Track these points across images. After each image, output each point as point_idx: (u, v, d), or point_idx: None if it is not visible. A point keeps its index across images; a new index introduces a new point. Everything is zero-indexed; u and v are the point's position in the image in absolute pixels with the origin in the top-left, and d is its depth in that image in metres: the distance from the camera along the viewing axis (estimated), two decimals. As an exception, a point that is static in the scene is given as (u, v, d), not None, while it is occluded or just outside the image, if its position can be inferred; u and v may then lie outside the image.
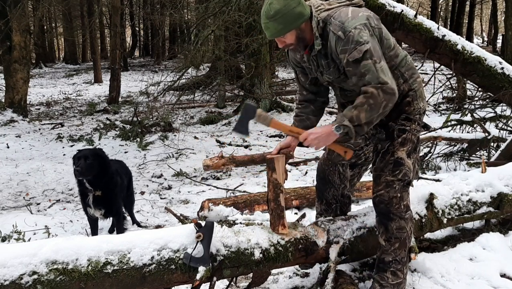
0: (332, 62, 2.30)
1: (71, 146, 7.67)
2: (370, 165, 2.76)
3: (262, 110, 2.36)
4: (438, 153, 5.48)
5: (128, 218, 3.93)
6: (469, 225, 3.32)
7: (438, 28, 4.45)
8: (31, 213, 4.45)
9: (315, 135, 2.24)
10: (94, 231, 3.59)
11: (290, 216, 3.58)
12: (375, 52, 2.14)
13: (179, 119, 9.91)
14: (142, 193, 5.10)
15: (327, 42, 2.24)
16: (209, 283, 2.25)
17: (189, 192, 4.99)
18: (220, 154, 2.34)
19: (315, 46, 2.27)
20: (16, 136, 8.42)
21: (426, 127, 2.53)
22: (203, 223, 2.18)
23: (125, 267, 2.07)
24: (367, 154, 2.65)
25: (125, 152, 7.23)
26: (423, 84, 2.50)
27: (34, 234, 3.86)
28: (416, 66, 2.65)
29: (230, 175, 5.85)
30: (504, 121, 5.40)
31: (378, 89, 2.11)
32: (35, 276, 1.96)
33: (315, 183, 4.78)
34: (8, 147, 7.59)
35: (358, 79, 2.17)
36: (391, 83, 2.14)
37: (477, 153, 5.34)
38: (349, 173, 2.71)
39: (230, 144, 7.58)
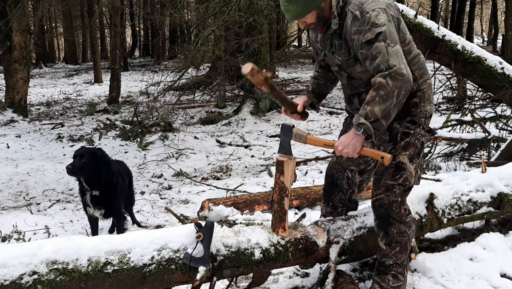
0: (344, 43, 2.27)
1: (71, 146, 7.67)
2: None
3: (298, 128, 2.38)
4: (438, 153, 5.48)
5: (128, 218, 3.93)
6: (469, 225, 3.32)
7: (438, 28, 4.45)
8: (31, 213, 4.45)
9: (341, 143, 2.18)
10: (94, 231, 3.59)
11: (290, 216, 3.58)
12: (390, 35, 2.09)
13: (179, 119, 9.91)
14: (142, 193, 5.10)
15: (343, 22, 2.22)
16: (209, 283, 2.25)
17: (189, 192, 4.99)
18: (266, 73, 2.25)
19: (332, 25, 2.26)
20: (16, 136, 8.42)
21: (431, 132, 2.48)
22: (203, 223, 2.18)
23: (125, 267, 2.07)
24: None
25: (125, 152, 7.24)
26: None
27: (34, 234, 3.86)
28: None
29: (230, 175, 5.85)
30: (504, 121, 5.40)
31: (386, 77, 2.06)
32: (35, 276, 1.96)
33: (315, 183, 4.82)
34: (8, 147, 7.59)
35: (370, 62, 2.12)
36: (402, 68, 2.06)
37: (477, 153, 5.33)
38: (358, 178, 2.68)
39: (230, 144, 7.59)
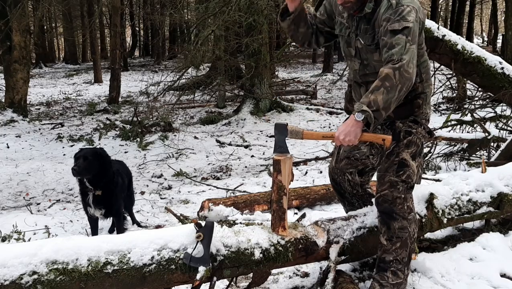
0: (371, 29, 2.33)
1: (71, 146, 7.68)
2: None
3: (292, 125, 2.36)
4: (438, 153, 5.47)
5: (128, 218, 3.93)
6: (469, 225, 3.32)
7: (438, 28, 4.44)
8: (31, 213, 4.45)
9: (342, 132, 2.21)
10: (94, 231, 3.58)
11: (290, 216, 3.58)
12: (413, 34, 2.19)
13: (179, 119, 9.91)
14: (142, 193, 5.10)
15: (377, 8, 2.28)
16: (209, 283, 2.24)
17: (189, 192, 4.99)
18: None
19: (366, 8, 2.30)
20: (16, 136, 8.42)
21: (431, 134, 2.55)
22: (203, 223, 2.18)
23: (125, 267, 2.07)
24: (374, 163, 2.67)
25: (125, 152, 7.24)
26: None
27: (34, 234, 3.86)
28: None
29: (230, 175, 5.85)
30: (504, 121, 5.40)
31: (394, 70, 2.13)
32: (35, 276, 1.96)
33: (315, 183, 4.82)
34: (8, 147, 7.59)
35: (386, 50, 2.19)
36: (410, 67, 2.15)
37: (477, 153, 5.33)
38: (359, 179, 2.72)
39: (230, 144, 7.58)
